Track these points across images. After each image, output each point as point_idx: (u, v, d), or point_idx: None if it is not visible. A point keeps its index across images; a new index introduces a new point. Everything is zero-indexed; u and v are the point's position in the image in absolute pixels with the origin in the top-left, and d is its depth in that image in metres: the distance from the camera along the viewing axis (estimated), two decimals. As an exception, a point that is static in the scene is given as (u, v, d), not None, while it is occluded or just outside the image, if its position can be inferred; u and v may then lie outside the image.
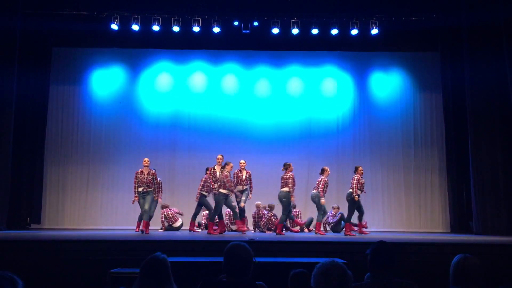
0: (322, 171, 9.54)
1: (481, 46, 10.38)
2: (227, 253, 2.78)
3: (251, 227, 10.56)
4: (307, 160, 12.06)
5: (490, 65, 10.25)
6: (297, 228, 10.17)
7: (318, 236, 8.86)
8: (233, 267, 2.74)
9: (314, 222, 9.65)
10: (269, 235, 9.10)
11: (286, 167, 9.24)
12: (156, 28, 10.87)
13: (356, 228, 9.46)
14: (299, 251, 6.46)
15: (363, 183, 9.30)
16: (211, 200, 9.53)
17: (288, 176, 9.07)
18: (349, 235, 8.93)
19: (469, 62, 10.57)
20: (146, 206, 9.10)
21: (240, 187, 9.40)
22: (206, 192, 9.50)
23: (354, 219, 9.31)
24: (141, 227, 9.29)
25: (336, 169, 11.75)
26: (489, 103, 10.28)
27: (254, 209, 10.54)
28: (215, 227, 9.10)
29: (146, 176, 9.14)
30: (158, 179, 9.69)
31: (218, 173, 9.40)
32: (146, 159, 9.33)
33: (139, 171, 9.25)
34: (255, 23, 11.04)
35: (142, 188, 9.10)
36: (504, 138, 10.04)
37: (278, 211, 9.61)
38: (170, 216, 10.43)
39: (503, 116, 10.08)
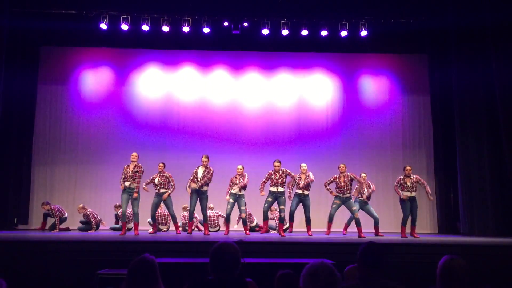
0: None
1: (468, 49, 10.51)
2: (214, 251, 2.74)
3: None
4: (297, 161, 12.05)
5: (477, 67, 10.37)
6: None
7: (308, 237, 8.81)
8: (220, 265, 2.70)
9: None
10: (257, 235, 9.08)
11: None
12: (145, 28, 10.82)
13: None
14: (287, 251, 6.46)
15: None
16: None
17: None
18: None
19: (457, 64, 10.68)
20: (136, 209, 8.88)
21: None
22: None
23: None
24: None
25: (325, 170, 11.79)
26: (476, 105, 10.40)
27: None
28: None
29: (131, 170, 8.86)
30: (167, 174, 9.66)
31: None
32: (134, 153, 9.10)
33: (126, 165, 9.02)
34: (245, 24, 11.05)
35: (129, 183, 8.82)
36: (491, 139, 10.14)
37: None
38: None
39: (490, 117, 10.19)
